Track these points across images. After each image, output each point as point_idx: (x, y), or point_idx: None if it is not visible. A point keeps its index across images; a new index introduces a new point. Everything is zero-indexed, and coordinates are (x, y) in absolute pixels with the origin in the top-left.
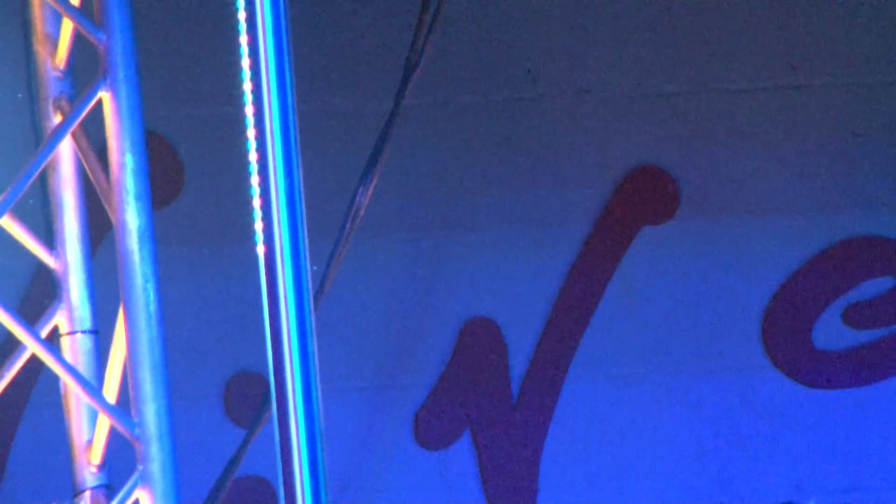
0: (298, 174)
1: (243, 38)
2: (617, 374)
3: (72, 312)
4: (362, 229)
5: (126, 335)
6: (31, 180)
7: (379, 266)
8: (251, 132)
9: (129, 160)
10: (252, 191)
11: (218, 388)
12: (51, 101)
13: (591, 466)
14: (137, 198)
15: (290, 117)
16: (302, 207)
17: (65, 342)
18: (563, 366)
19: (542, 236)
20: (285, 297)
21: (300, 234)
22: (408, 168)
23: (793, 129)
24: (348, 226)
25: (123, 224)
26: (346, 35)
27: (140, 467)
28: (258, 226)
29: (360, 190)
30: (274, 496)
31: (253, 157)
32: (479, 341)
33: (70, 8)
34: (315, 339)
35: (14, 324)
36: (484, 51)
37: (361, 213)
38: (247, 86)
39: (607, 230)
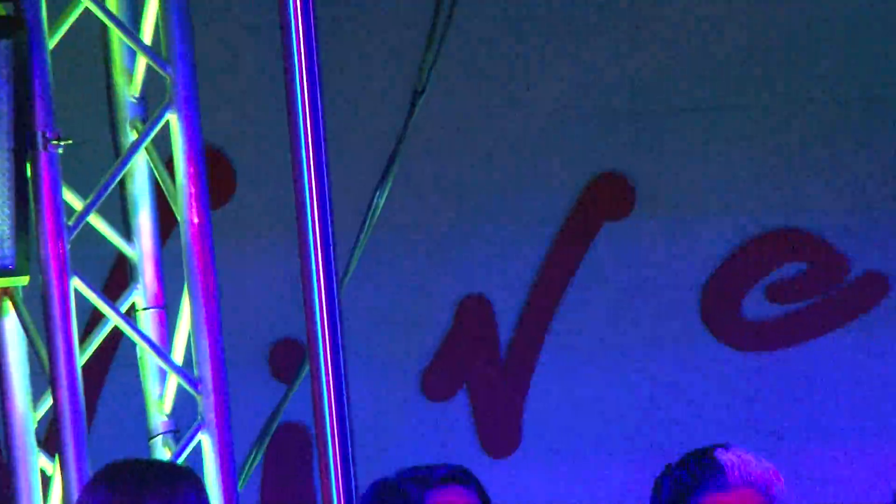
0: (327, 180)
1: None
2: (584, 342)
3: (145, 292)
4: (378, 225)
5: (189, 310)
6: (112, 186)
7: (391, 255)
8: (291, 146)
9: (190, 169)
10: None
11: (264, 352)
12: (127, 122)
13: (565, 416)
14: (198, 199)
15: (321, 134)
16: (330, 207)
17: (140, 316)
18: (541, 335)
19: (524, 230)
20: (318, 280)
21: (329, 229)
22: (416, 175)
23: (730, 142)
24: (367, 222)
25: (187, 221)
26: (361, 64)
27: (201, 417)
28: (298, 220)
29: (378, 193)
30: (309, 436)
31: (292, 166)
32: (473, 314)
33: (143, 46)
34: (341, 312)
35: (100, 301)
36: (477, 82)
37: (378, 212)
38: (287, 107)
39: (576, 225)
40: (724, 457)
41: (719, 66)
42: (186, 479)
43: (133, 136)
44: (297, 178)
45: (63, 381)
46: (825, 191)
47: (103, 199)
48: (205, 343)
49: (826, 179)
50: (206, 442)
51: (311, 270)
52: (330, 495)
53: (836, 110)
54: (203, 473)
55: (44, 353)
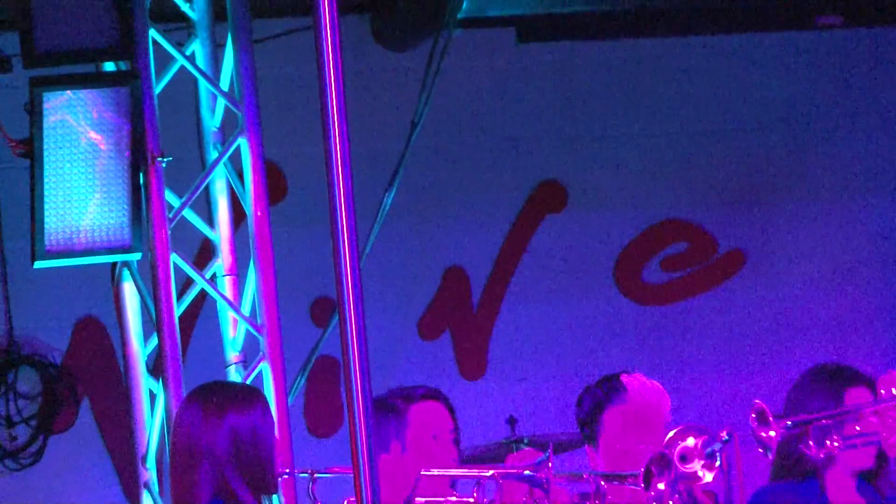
0: (351, 185)
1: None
2: (532, 299)
3: (223, 264)
4: (387, 217)
5: (254, 276)
6: (200, 190)
7: (396, 238)
8: (326, 161)
9: (255, 177)
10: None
11: (306, 306)
12: (211, 144)
13: (517, 351)
14: (260, 198)
15: (347, 152)
16: (353, 204)
17: (219, 281)
18: (501, 293)
19: (491, 220)
20: (345, 255)
21: (352, 219)
22: (414, 183)
23: (633, 158)
24: (379, 214)
25: (252, 213)
26: (374, 102)
27: (262, 352)
28: (331, 214)
29: (386, 194)
30: (338, 365)
31: (326, 175)
32: (454, 278)
33: (222, 92)
34: (360, 278)
35: (191, 271)
36: (459, 119)
37: (387, 208)
38: (323, 133)
39: (526, 216)
40: (627, 380)
41: (625, 107)
42: (256, 395)
43: (214, 154)
44: (331, 184)
45: (165, 327)
46: (698, 192)
47: (194, 198)
48: (264, 299)
49: (698, 183)
50: (265, 370)
51: (340, 248)
52: (353, 407)
53: (697, 138)
54: (264, 392)
55: (152, 306)
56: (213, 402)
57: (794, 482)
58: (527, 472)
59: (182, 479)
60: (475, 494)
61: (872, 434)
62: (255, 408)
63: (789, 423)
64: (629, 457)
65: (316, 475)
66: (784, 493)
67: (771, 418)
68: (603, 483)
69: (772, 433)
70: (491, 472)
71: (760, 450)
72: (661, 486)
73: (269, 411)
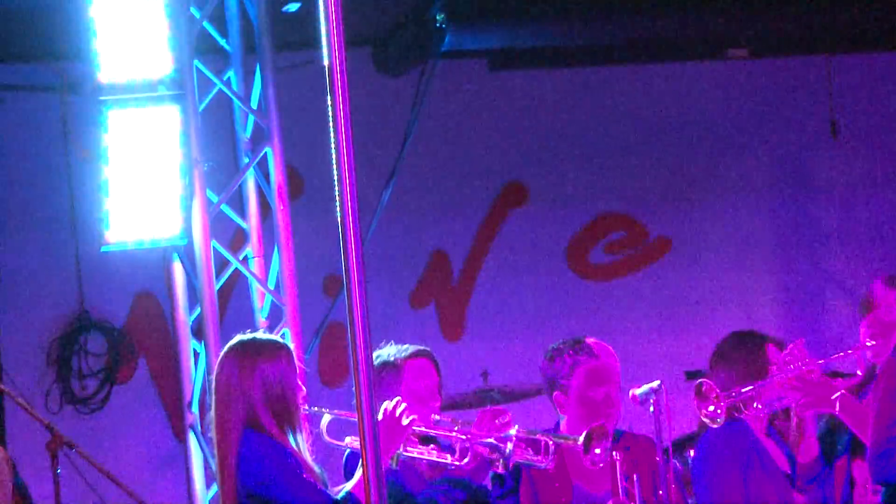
0: (355, 185)
1: (331, 122)
2: (500, 275)
3: (253, 248)
4: (385, 210)
5: (278, 258)
6: (234, 188)
7: (392, 228)
8: (336, 165)
9: (279, 178)
10: (336, 193)
11: (320, 280)
12: (243, 152)
13: (489, 317)
14: (282, 195)
15: (352, 158)
16: (356, 201)
17: (249, 262)
18: (476, 271)
19: (468, 213)
20: (351, 241)
21: (356, 212)
22: (407, 184)
23: (581, 167)
24: (379, 208)
25: (277, 207)
26: (370, 114)
27: (284, 318)
28: (339, 207)
29: (384, 192)
30: (345, 330)
31: (337, 177)
32: (438, 260)
33: (252, 110)
34: (363, 259)
35: (227, 253)
36: (444, 137)
37: (384, 202)
38: (333, 145)
39: (496, 210)
40: (592, 342)
41: (575, 123)
42: (282, 347)
43: (246, 160)
44: (339, 183)
45: (206, 298)
46: (633, 191)
47: (229, 195)
48: (287, 276)
49: (633, 184)
50: (287, 333)
51: (346, 235)
52: (356, 363)
53: (632, 148)
54: None
55: (195, 282)
56: (247, 354)
57: (725, 425)
58: (491, 439)
59: (222, 415)
60: (451, 455)
61: (786, 398)
62: (281, 358)
63: (727, 396)
64: (594, 402)
65: (325, 411)
66: (723, 436)
67: (713, 394)
68: (552, 442)
69: (715, 408)
70: (465, 436)
71: (706, 421)
72: (597, 450)
73: (293, 361)
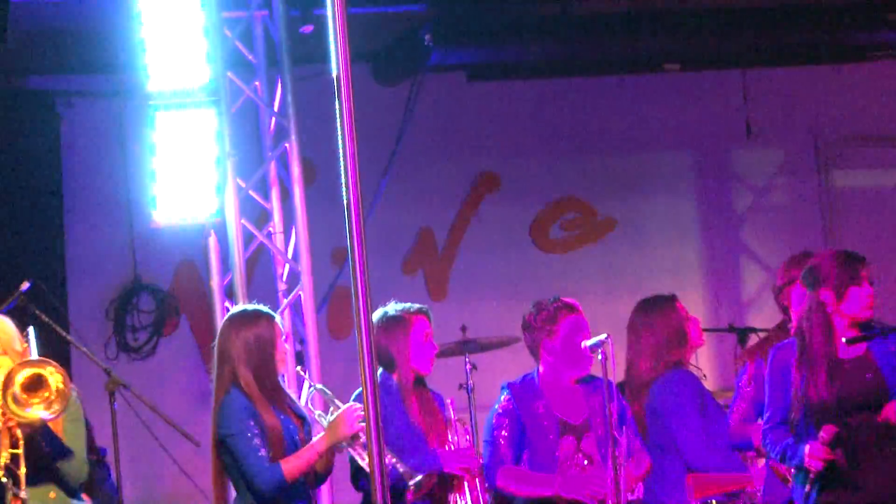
0: (357, 174)
1: (339, 124)
2: (476, 247)
3: (275, 225)
4: (384, 195)
5: (296, 233)
6: (259, 175)
7: (388, 209)
8: (342, 158)
9: (295, 168)
10: (343, 180)
11: (328, 253)
12: (266, 146)
13: (468, 281)
14: (299, 181)
15: (355, 152)
16: (359, 187)
17: (272, 237)
18: (457, 245)
19: (450, 197)
20: (355, 219)
21: (358, 197)
22: (400, 171)
23: (547, 156)
24: (377, 193)
25: (294, 190)
26: (370, 116)
27: (300, 283)
28: (345, 192)
29: (382, 180)
30: (349, 291)
31: (343, 168)
32: (425, 235)
33: (274, 113)
34: (364, 235)
35: (253, 229)
36: (430, 138)
37: (382, 188)
38: (340, 142)
39: (473, 194)
40: (566, 298)
41: (540, 124)
42: (262, 314)
43: (269, 153)
44: (345, 172)
45: (236, 265)
46: (586, 180)
47: (255, 181)
48: (302, 248)
49: (586, 175)
50: (303, 294)
51: (351, 214)
52: (359, 322)
53: (585, 144)
54: (302, 309)
55: (228, 253)
56: (233, 321)
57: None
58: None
59: (216, 373)
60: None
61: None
62: (261, 325)
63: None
64: (577, 347)
65: (306, 377)
66: (677, 380)
67: None
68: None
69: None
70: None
71: None
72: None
73: (274, 327)
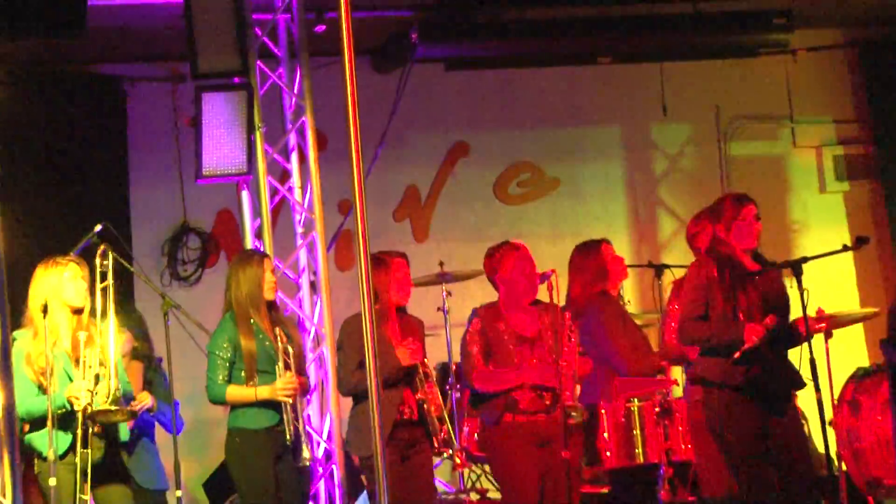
0: (359, 143)
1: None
2: (451, 200)
3: (295, 182)
4: (377, 159)
5: (311, 188)
6: (282, 142)
7: (382, 170)
8: (347, 129)
9: (310, 136)
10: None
11: (335, 203)
12: (288, 119)
13: (446, 229)
14: (313, 148)
15: (357, 125)
16: (360, 153)
17: (293, 191)
18: (436, 197)
19: (431, 160)
20: (357, 177)
21: (360, 160)
22: (393, 140)
23: (508, 129)
24: (374, 158)
25: (308, 154)
26: (369, 97)
27: (315, 228)
28: (350, 156)
29: (378, 148)
30: (351, 235)
31: (348, 137)
32: (411, 191)
33: (294, 94)
34: (364, 190)
35: (277, 185)
36: (414, 120)
37: (378, 154)
38: (347, 114)
39: (448, 158)
40: (515, 242)
41: (500, 103)
42: (254, 256)
43: (290, 126)
44: (349, 142)
45: (263, 213)
46: (536, 148)
47: (279, 147)
48: (316, 201)
49: (536, 142)
50: (316, 237)
51: (354, 174)
52: (359, 256)
53: (535, 122)
54: (315, 248)
55: (257, 203)
56: (234, 260)
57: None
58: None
59: (224, 301)
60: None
61: None
62: (252, 262)
63: None
64: (524, 278)
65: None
66: (604, 302)
67: None
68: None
69: None
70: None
71: None
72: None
73: (264, 266)
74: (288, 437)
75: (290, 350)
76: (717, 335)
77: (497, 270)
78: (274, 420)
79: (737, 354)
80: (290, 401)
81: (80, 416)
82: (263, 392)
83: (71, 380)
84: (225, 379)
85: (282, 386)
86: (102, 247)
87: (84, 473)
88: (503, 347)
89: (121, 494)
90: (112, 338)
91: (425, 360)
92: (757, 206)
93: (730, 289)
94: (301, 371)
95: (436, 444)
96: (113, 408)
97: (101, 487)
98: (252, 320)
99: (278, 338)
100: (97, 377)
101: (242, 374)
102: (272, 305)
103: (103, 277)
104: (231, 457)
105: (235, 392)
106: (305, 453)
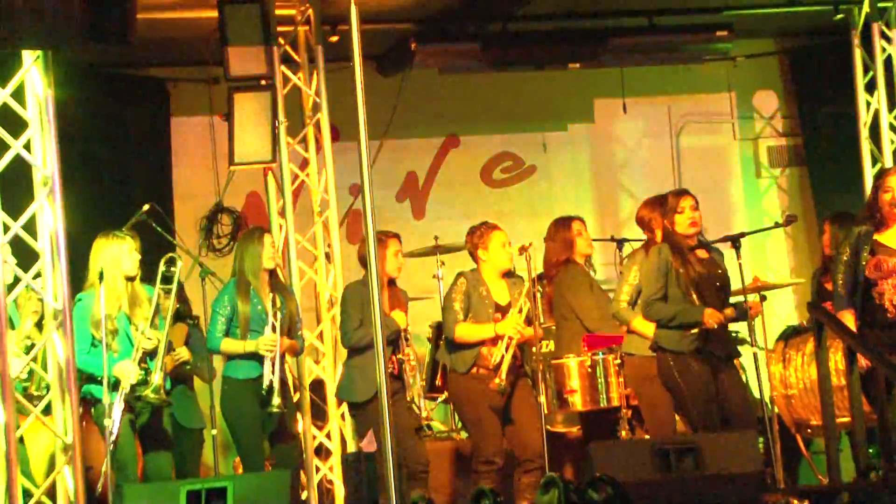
0: (366, 135)
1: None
2: (444, 184)
3: (312, 167)
4: (381, 149)
5: (326, 173)
6: (301, 134)
7: (386, 158)
8: (358, 123)
9: (326, 131)
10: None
11: (347, 186)
12: (306, 115)
13: (439, 206)
14: (326, 139)
15: (364, 120)
16: (367, 143)
17: (310, 176)
18: (431, 182)
19: (427, 151)
20: (365, 164)
21: (367, 149)
22: (395, 132)
23: (493, 123)
24: (378, 148)
25: (324, 145)
26: (375, 95)
27: (330, 206)
28: (359, 146)
29: (382, 138)
30: (360, 214)
31: (358, 129)
32: (411, 176)
33: (311, 93)
34: (371, 175)
35: (297, 169)
36: (411, 105)
37: (381, 145)
38: (357, 110)
39: (442, 149)
40: (490, 222)
41: (486, 101)
42: (256, 232)
43: (308, 121)
44: (358, 133)
45: (285, 194)
46: (515, 140)
47: (298, 139)
48: (331, 184)
49: (514, 137)
50: (331, 214)
51: (361, 161)
52: (366, 230)
53: (512, 117)
54: (329, 224)
55: (281, 185)
56: (242, 237)
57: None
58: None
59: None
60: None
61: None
62: (255, 240)
63: None
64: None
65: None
66: (573, 272)
67: None
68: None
69: None
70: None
71: None
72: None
73: (264, 241)
74: (264, 386)
75: (280, 315)
76: (681, 316)
77: (478, 246)
78: (258, 371)
79: (694, 330)
80: (271, 356)
81: (123, 391)
82: (250, 346)
83: (131, 343)
84: (222, 332)
85: (264, 342)
86: (170, 255)
87: (132, 426)
88: (483, 311)
89: (167, 461)
90: (166, 339)
91: (407, 326)
92: (694, 197)
93: (685, 273)
94: (292, 334)
95: (409, 396)
96: (153, 396)
97: (148, 453)
98: (251, 287)
99: (272, 303)
100: (145, 357)
101: (238, 331)
102: (273, 273)
103: (166, 281)
104: (223, 400)
105: (229, 344)
106: (275, 400)
